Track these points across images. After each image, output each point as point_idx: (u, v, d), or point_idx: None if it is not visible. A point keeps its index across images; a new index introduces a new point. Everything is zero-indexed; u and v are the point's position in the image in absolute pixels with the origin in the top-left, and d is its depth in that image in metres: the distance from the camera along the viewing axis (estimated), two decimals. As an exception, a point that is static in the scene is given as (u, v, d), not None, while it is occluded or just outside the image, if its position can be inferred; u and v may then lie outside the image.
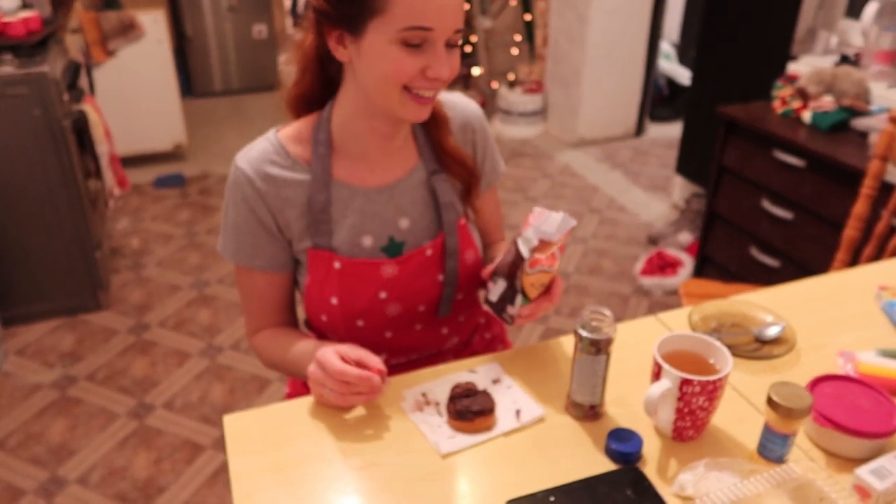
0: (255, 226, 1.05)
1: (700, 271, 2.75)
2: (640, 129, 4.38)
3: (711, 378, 0.83)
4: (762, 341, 1.08)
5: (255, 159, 1.04)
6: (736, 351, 1.04)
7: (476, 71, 4.84)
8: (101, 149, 2.66)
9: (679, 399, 0.84)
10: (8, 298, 2.58)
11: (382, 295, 1.06)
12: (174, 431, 2.19)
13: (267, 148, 1.05)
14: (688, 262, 2.89)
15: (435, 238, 1.09)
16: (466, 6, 0.94)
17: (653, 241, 3.18)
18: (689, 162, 3.30)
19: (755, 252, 2.44)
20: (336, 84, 1.04)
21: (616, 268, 3.03)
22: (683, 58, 4.72)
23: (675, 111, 4.59)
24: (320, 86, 1.06)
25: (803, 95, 2.33)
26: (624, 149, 4.25)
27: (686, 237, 3.06)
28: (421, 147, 1.10)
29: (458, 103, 1.14)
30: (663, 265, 2.93)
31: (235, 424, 0.95)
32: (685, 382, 0.83)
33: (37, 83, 2.32)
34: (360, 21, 0.90)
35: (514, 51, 4.79)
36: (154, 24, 3.68)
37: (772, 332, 1.08)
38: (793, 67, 2.58)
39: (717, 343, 0.89)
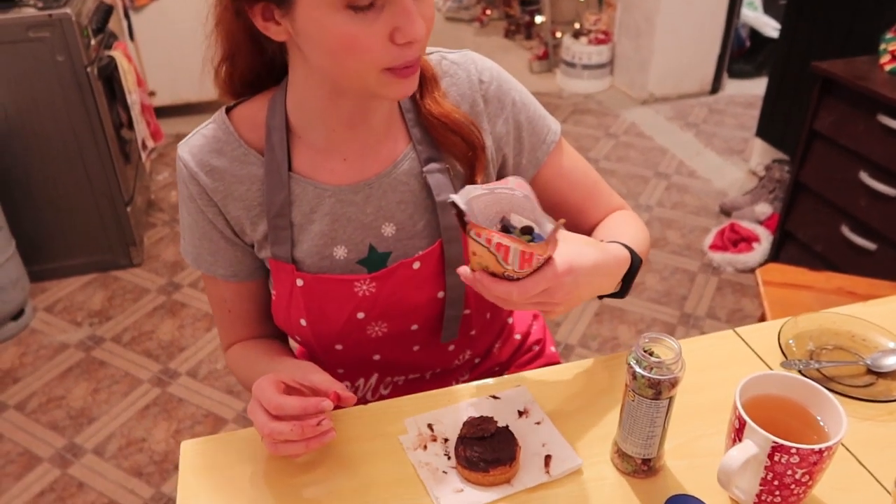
0: (208, 228, 0.85)
1: (779, 249, 2.45)
2: (716, 86, 3.99)
3: (817, 447, 0.59)
4: (877, 374, 0.83)
5: (199, 148, 0.83)
6: (841, 386, 0.80)
7: (539, 19, 4.50)
8: (133, 98, 2.52)
9: (768, 469, 0.62)
10: (38, 253, 2.50)
11: (360, 315, 0.85)
12: (196, 402, 2.07)
13: (214, 133, 0.83)
14: (765, 238, 2.58)
15: (429, 247, 0.85)
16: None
17: (726, 211, 2.87)
18: (773, 124, 2.94)
19: (847, 231, 2.12)
20: (281, 62, 0.81)
21: (682, 240, 2.74)
22: (769, 6, 4.25)
23: (757, 66, 4.16)
24: (262, 66, 0.83)
25: (920, 50, 1.97)
26: (698, 107, 3.88)
27: (764, 209, 2.73)
28: (410, 127, 0.84)
29: (460, 64, 0.86)
30: (736, 240, 2.62)
31: (194, 452, 0.77)
32: (778, 449, 0.60)
33: (59, 27, 2.17)
34: None
35: (581, -3, 4.42)
36: (198, -36, 3.49)
37: (892, 362, 0.83)
38: (907, 16, 2.21)
39: (828, 393, 0.65)
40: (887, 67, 2.04)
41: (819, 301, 1.61)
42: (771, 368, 0.83)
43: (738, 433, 0.64)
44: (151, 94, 3.65)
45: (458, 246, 0.85)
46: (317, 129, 0.82)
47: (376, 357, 0.91)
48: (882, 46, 2.10)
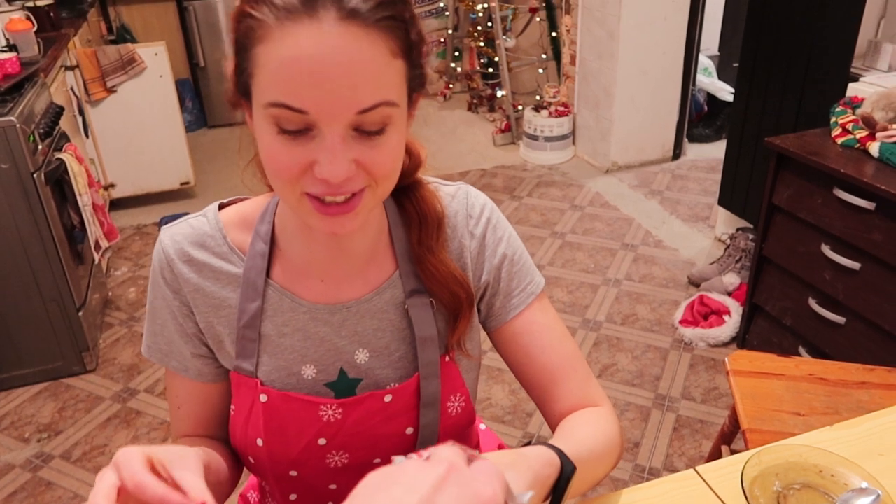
0: (168, 318, 0.82)
1: (749, 322, 2.41)
2: (677, 152, 4.04)
3: None
4: (849, 519, 0.77)
5: (183, 236, 0.80)
6: (811, 537, 0.74)
7: (500, 92, 4.56)
8: (84, 199, 2.46)
9: None
10: (-16, 365, 2.39)
11: (321, 441, 0.80)
12: (149, 523, 1.94)
13: (201, 226, 0.81)
14: (735, 311, 2.55)
15: (405, 380, 0.82)
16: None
17: (694, 282, 2.84)
18: (734, 194, 2.95)
19: (815, 305, 2.09)
20: None
21: (653, 315, 2.70)
22: (723, 71, 4.36)
23: (716, 130, 4.23)
24: None
25: (869, 123, 1.99)
26: (661, 173, 3.91)
27: (732, 279, 2.71)
28: (399, 256, 0.82)
29: (454, 196, 0.85)
30: (706, 313, 2.58)
31: None
32: None
33: (3, 135, 2.12)
34: (248, 82, 0.66)
35: (540, 70, 4.50)
36: (155, 58, 3.50)
37: (862, 505, 0.77)
38: (854, 89, 2.24)
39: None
40: (839, 141, 2.05)
41: (790, 390, 1.56)
42: (735, 517, 0.77)
43: None
44: (111, 186, 3.61)
45: (435, 383, 0.81)
46: (296, 247, 0.80)
47: (332, 486, 0.85)
48: (833, 119, 2.12)
